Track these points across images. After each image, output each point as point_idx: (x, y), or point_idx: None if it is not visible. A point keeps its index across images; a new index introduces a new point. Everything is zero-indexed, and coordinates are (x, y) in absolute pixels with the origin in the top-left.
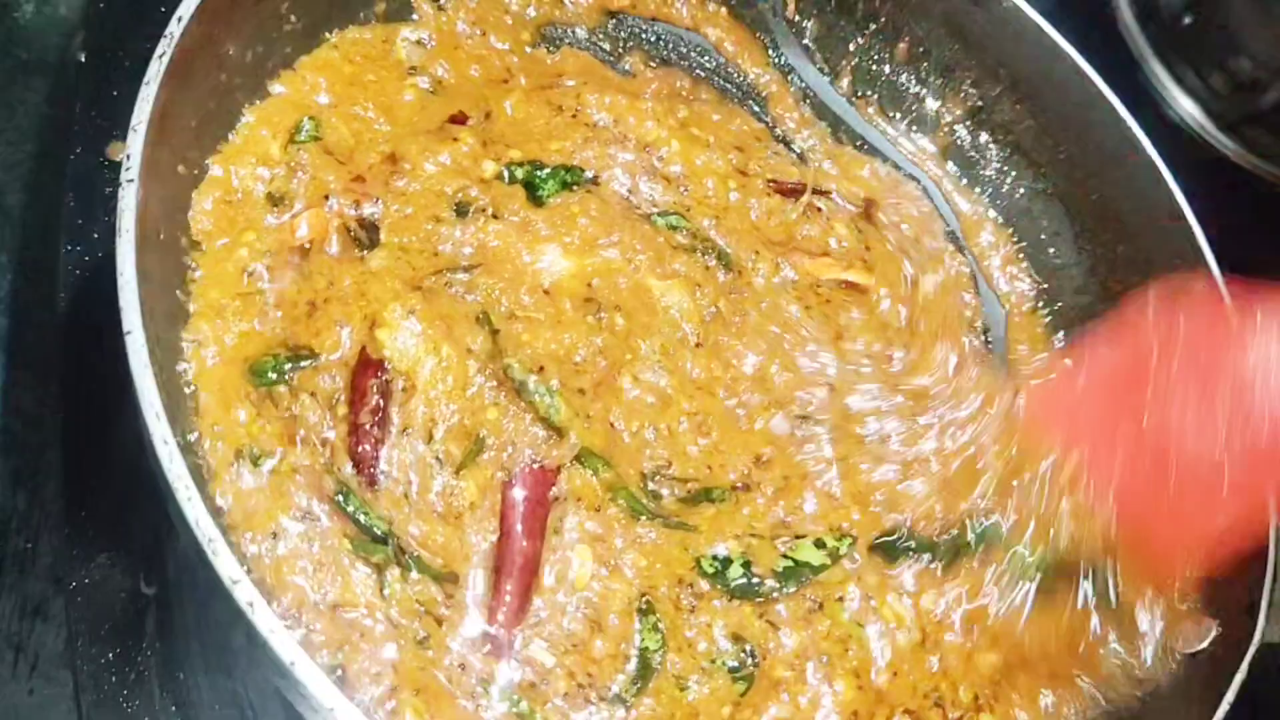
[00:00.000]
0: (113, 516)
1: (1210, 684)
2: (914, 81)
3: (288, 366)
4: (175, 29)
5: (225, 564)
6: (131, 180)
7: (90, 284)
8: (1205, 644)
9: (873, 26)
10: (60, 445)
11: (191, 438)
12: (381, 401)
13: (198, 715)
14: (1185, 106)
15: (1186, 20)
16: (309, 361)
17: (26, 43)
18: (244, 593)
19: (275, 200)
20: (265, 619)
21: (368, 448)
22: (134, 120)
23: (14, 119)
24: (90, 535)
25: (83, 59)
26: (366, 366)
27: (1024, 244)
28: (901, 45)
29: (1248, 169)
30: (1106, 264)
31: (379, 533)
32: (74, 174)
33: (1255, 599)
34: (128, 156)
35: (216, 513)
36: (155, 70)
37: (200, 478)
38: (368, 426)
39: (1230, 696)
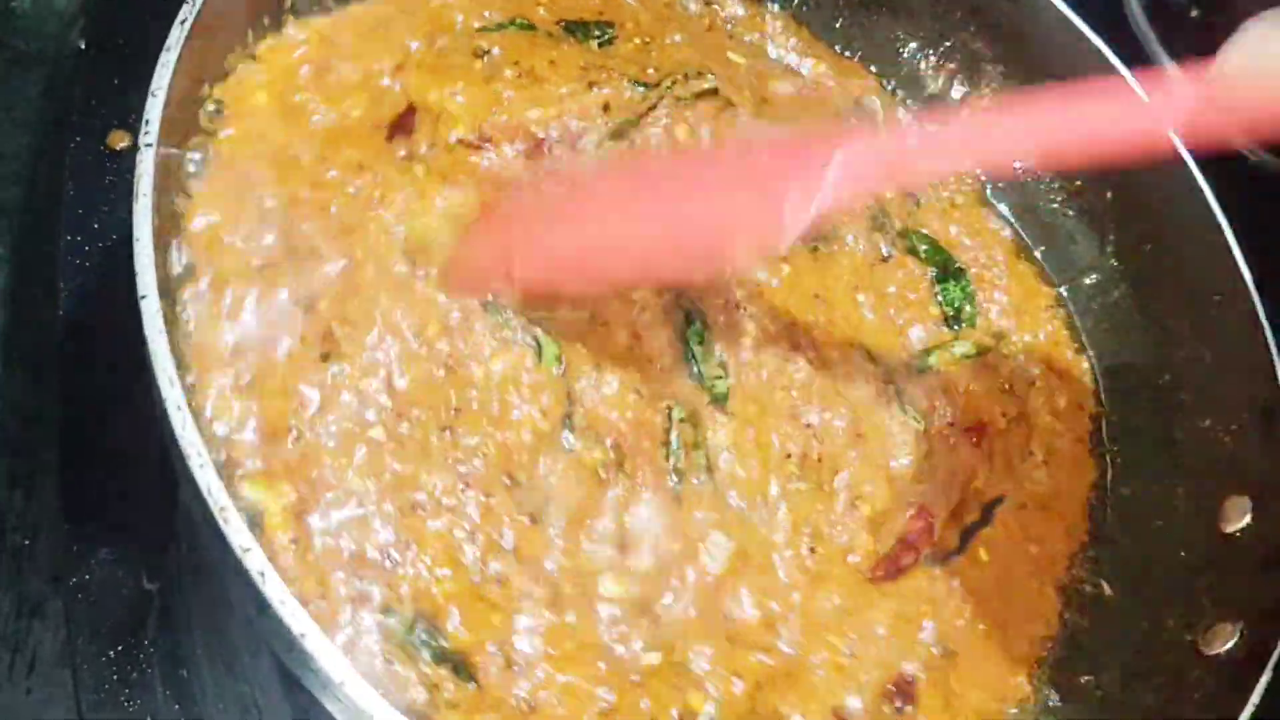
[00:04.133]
0: (114, 512)
1: (1233, 689)
2: (938, 73)
3: None
4: None
5: (237, 532)
6: (150, 145)
7: (91, 276)
8: (1229, 647)
9: (900, 16)
10: (58, 441)
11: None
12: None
13: (201, 713)
14: None
15: (1194, 13)
16: None
17: (24, 33)
18: (255, 561)
19: None
20: (276, 589)
21: None
22: (153, 86)
23: (11, 110)
24: (91, 532)
25: (83, 46)
26: None
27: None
28: (929, 38)
29: (1257, 163)
30: (1132, 264)
31: None
32: (74, 165)
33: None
34: (146, 122)
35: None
36: (176, 36)
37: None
38: None
39: (1255, 700)
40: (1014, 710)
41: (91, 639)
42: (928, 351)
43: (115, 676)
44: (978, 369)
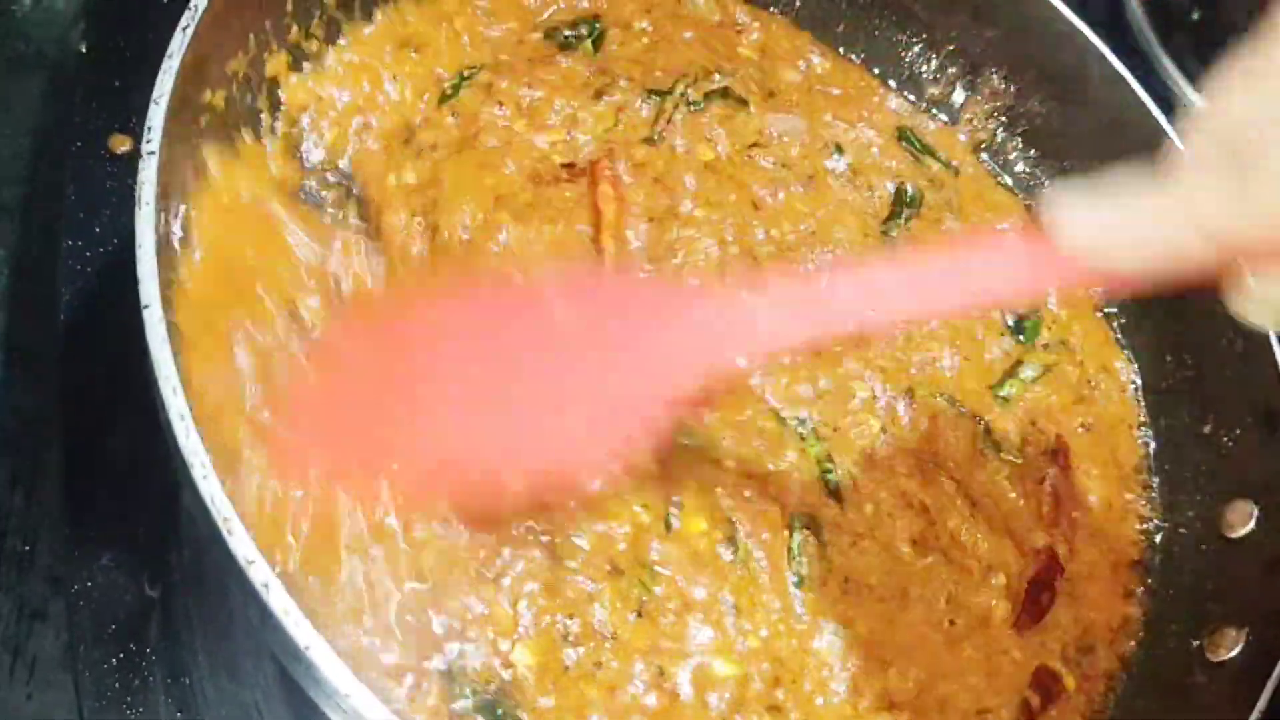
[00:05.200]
0: (117, 517)
1: (1240, 695)
2: (939, 76)
3: None
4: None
5: (241, 544)
6: (153, 152)
7: (92, 281)
8: (1234, 652)
9: (902, 19)
10: (60, 445)
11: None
12: None
13: None
14: (1195, 102)
15: (1194, 15)
16: None
17: (24, 35)
18: (259, 573)
19: None
20: (280, 600)
21: None
22: (155, 93)
23: (12, 112)
24: (93, 536)
25: (84, 50)
26: None
27: None
28: (930, 41)
29: None
30: None
31: None
32: (74, 168)
33: None
34: (149, 129)
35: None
36: (178, 42)
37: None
38: None
39: (1262, 705)
40: None
41: (93, 644)
42: (1001, 384)
43: (117, 683)
44: (1048, 383)
